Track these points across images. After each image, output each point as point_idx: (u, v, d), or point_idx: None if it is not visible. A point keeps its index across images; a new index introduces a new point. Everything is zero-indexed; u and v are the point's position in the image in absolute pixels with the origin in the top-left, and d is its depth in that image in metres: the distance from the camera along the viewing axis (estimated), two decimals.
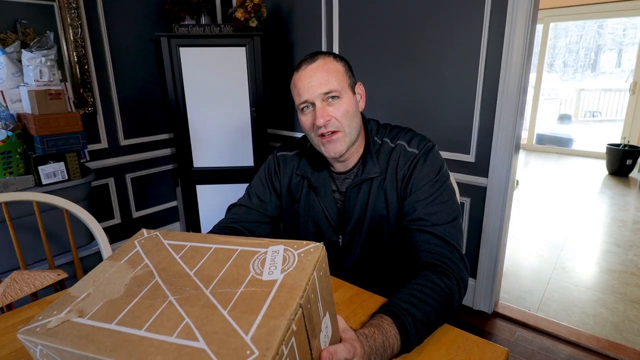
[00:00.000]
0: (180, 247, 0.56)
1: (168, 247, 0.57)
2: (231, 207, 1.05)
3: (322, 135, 0.85)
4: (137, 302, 0.48)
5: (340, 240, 0.97)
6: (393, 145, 0.92)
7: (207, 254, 0.53)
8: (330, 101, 0.84)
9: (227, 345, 0.39)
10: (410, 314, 0.66)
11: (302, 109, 0.87)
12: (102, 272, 0.54)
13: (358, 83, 0.92)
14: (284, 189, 1.02)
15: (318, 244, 0.49)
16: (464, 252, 0.82)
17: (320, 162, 0.97)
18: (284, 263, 0.47)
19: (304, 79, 0.84)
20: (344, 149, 0.87)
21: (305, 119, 0.87)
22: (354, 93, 0.89)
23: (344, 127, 0.85)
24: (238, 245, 0.53)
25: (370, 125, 0.96)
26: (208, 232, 0.98)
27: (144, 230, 0.62)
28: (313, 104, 0.85)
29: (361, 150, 0.94)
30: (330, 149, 0.87)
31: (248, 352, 0.37)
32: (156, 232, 0.61)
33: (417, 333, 0.65)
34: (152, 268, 0.54)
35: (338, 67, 0.86)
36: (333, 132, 0.85)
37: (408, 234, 0.85)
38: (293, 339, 0.40)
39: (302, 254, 0.48)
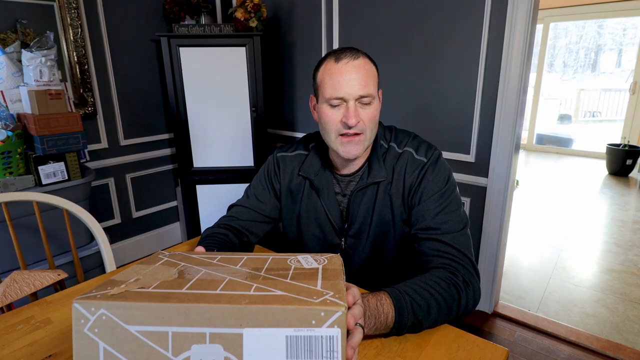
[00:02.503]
0: (212, 257, 0.59)
1: (199, 257, 0.59)
2: (230, 207, 1.05)
3: (344, 134, 0.84)
4: (197, 280, 0.49)
5: (342, 243, 0.97)
6: (400, 151, 0.91)
7: (241, 260, 0.58)
8: (363, 103, 0.83)
9: (304, 291, 0.45)
10: (408, 294, 0.68)
11: (331, 102, 0.84)
12: (142, 269, 0.53)
13: (380, 89, 0.91)
14: (284, 190, 1.02)
15: (337, 254, 0.60)
16: (475, 260, 0.81)
17: (324, 164, 0.96)
18: (317, 261, 0.56)
19: (344, 74, 0.81)
20: (361, 152, 0.87)
21: (332, 113, 0.84)
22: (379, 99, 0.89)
23: (367, 132, 0.85)
24: (268, 254, 0.60)
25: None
26: (206, 229, 0.98)
27: (164, 251, 0.63)
28: (345, 101, 0.83)
29: (367, 153, 0.93)
30: (349, 150, 0.85)
31: (325, 292, 0.44)
32: (179, 252, 0.63)
33: (413, 313, 0.66)
34: (193, 266, 0.55)
35: (375, 72, 0.85)
36: (356, 134, 0.84)
37: (417, 242, 0.85)
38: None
39: (329, 257, 0.58)
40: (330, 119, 0.85)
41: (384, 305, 0.64)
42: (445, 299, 0.71)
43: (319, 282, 0.48)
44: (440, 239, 0.81)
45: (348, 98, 0.82)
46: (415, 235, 0.86)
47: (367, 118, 0.84)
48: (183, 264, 0.56)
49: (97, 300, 0.42)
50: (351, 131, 0.83)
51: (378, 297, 0.65)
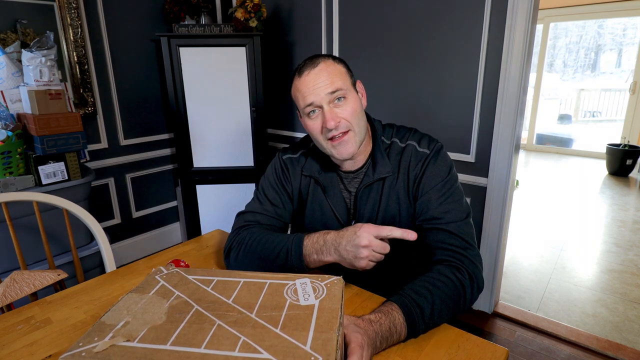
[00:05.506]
0: (207, 281, 0.59)
1: (195, 281, 0.59)
2: (240, 214, 0.99)
3: (332, 138, 0.85)
4: (185, 326, 0.48)
5: None
6: (403, 145, 0.92)
7: (238, 286, 0.57)
8: (337, 103, 0.84)
9: (292, 354, 0.43)
10: (419, 305, 0.68)
11: (309, 113, 0.86)
12: (134, 303, 0.53)
13: (358, 81, 0.92)
14: (295, 192, 1.00)
15: (339, 277, 0.58)
16: (478, 249, 0.82)
17: (327, 162, 0.96)
18: (315, 292, 0.54)
19: (309, 83, 0.84)
20: (355, 149, 0.87)
21: (312, 123, 0.86)
22: (357, 92, 0.90)
23: (354, 127, 0.85)
24: (266, 278, 0.59)
25: (375, 125, 0.96)
26: (235, 243, 0.91)
27: (161, 267, 0.63)
28: (320, 107, 0.84)
29: (369, 149, 0.94)
30: (343, 151, 0.86)
31: (312, 358, 0.42)
32: (176, 269, 0.63)
33: (424, 324, 0.67)
34: (186, 298, 0.54)
35: (340, 68, 0.86)
36: (344, 133, 0.85)
37: (423, 233, 0.85)
38: (339, 348, 0.46)
39: (329, 285, 0.56)
40: (313, 128, 0.86)
41: (396, 326, 0.65)
42: (453, 300, 0.72)
43: (310, 335, 0.46)
44: (445, 228, 0.82)
45: (320, 102, 0.83)
46: (419, 227, 0.86)
47: (348, 113, 0.84)
48: (177, 293, 0.56)
49: None
50: (337, 132, 0.84)
51: (391, 317, 0.65)
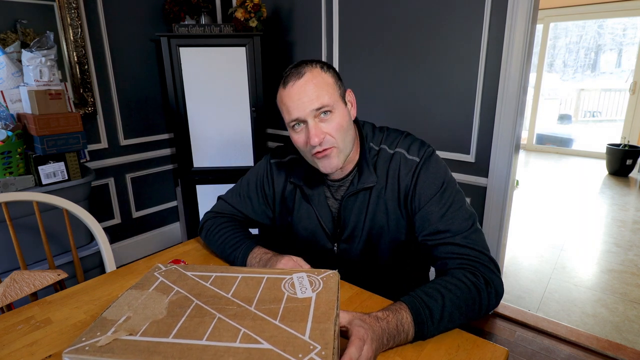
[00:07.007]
0: (206, 277, 0.60)
1: (193, 277, 0.60)
2: (221, 200, 1.09)
3: (315, 153, 0.83)
4: (185, 320, 0.49)
5: (335, 248, 0.96)
6: (391, 152, 0.88)
7: (236, 281, 0.58)
8: (322, 117, 0.80)
9: (291, 343, 0.45)
10: (428, 306, 0.67)
11: (293, 126, 0.83)
12: (134, 299, 0.54)
13: (348, 90, 0.88)
14: (278, 197, 1.01)
15: (334, 270, 0.61)
16: (491, 254, 0.79)
17: (313, 170, 0.94)
18: (312, 285, 0.56)
19: (293, 96, 0.80)
20: (340, 163, 0.84)
21: (297, 137, 0.83)
22: (345, 103, 0.86)
23: (339, 143, 0.82)
24: (263, 273, 0.60)
25: (365, 130, 0.93)
26: (206, 226, 1.01)
27: (160, 265, 0.64)
28: (305, 122, 0.81)
29: (356, 158, 0.91)
30: (326, 165, 0.84)
31: (311, 347, 0.44)
32: (174, 266, 0.64)
33: (433, 326, 0.66)
34: (185, 293, 0.55)
35: (327, 79, 0.82)
36: (328, 148, 0.82)
37: (429, 250, 0.82)
38: (336, 337, 0.47)
39: (325, 278, 0.58)
40: (298, 142, 0.85)
41: (404, 325, 0.64)
42: (467, 303, 0.70)
43: (309, 325, 0.47)
44: (453, 241, 0.78)
45: (304, 117, 0.80)
46: (424, 243, 0.82)
47: (333, 130, 0.81)
48: (176, 288, 0.56)
49: (85, 355, 0.44)
50: (320, 148, 0.81)
51: (399, 316, 0.64)
